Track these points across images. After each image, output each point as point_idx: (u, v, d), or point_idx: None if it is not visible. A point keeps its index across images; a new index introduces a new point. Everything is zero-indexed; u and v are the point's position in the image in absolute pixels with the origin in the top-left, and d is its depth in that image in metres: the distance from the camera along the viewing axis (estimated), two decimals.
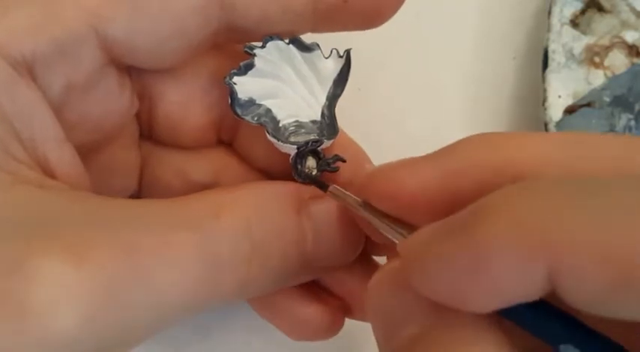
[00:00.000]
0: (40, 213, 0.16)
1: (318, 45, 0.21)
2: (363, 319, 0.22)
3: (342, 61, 0.21)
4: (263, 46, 0.20)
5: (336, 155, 0.21)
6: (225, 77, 0.20)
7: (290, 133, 0.21)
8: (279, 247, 0.18)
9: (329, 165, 0.21)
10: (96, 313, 0.15)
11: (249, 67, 0.20)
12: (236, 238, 0.17)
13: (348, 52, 0.21)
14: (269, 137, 0.20)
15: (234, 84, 0.20)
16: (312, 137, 0.21)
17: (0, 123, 0.17)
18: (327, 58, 0.21)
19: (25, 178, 0.17)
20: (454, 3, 0.30)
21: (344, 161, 0.21)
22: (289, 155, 0.21)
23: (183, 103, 0.21)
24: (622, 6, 0.28)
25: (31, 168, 0.17)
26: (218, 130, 0.22)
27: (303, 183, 0.20)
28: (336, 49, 0.21)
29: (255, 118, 0.20)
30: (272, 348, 0.25)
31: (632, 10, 0.28)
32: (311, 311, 0.21)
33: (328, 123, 0.21)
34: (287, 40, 0.20)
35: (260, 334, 0.25)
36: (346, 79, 0.21)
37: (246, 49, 0.20)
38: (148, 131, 0.22)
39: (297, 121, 0.21)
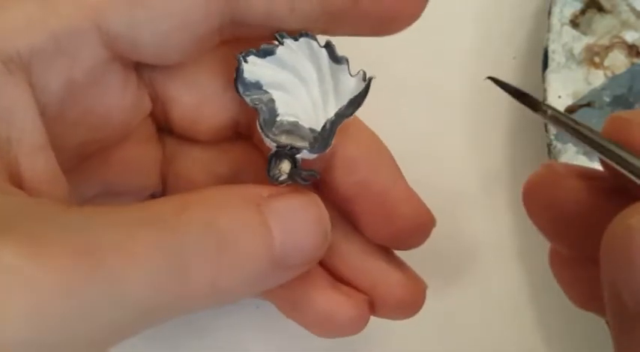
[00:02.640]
0: None
1: (347, 60, 0.20)
2: (386, 316, 0.22)
3: (363, 85, 0.20)
4: (296, 39, 0.20)
5: (312, 170, 0.20)
6: (240, 52, 0.20)
7: (283, 131, 0.20)
8: (246, 244, 0.18)
9: (300, 176, 0.20)
10: (50, 308, 0.14)
11: (269, 52, 0.20)
12: (200, 234, 0.17)
13: (369, 79, 0.20)
14: (257, 125, 0.20)
15: (245, 62, 0.20)
16: (299, 144, 0.20)
17: None
18: (352, 75, 0.20)
19: None
20: (454, 3, 0.30)
21: (316, 178, 0.20)
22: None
23: (197, 105, 0.21)
24: (622, 6, 0.28)
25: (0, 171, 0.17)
26: (236, 126, 0.22)
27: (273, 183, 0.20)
28: (364, 70, 0.20)
29: (255, 102, 0.20)
30: (272, 348, 0.25)
31: (632, 10, 0.28)
32: (334, 304, 0.21)
33: (324, 138, 0.20)
34: (322, 44, 0.20)
35: (260, 334, 0.25)
36: (360, 104, 0.20)
37: (276, 36, 0.20)
38: (169, 129, 0.22)
39: (295, 122, 0.20)
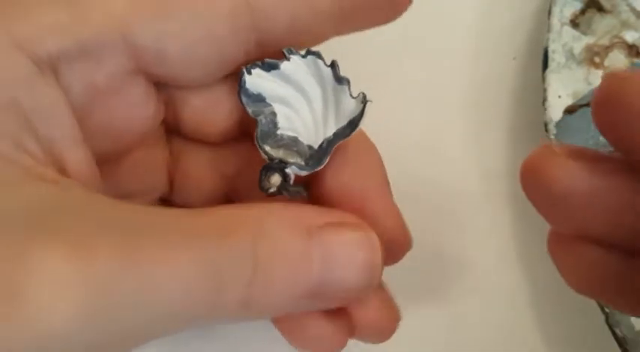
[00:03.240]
0: (48, 209, 0.16)
1: (349, 81, 0.20)
2: (361, 338, 0.22)
3: (361, 107, 0.20)
4: (303, 56, 0.20)
5: (299, 187, 0.20)
6: (245, 64, 0.20)
7: (282, 145, 0.20)
8: (283, 271, 0.18)
9: (288, 191, 0.20)
10: (91, 311, 0.15)
11: (274, 66, 0.20)
12: (239, 259, 0.17)
13: (366, 102, 0.20)
14: (254, 136, 0.20)
15: (249, 73, 0.20)
16: (291, 159, 0.20)
17: (16, 119, 0.17)
18: (352, 97, 0.20)
19: (37, 174, 0.17)
20: (454, 3, 0.30)
21: (303, 195, 0.20)
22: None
23: (207, 107, 0.21)
24: (622, 6, 0.28)
25: (46, 166, 0.17)
26: (244, 126, 0.22)
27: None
28: (363, 93, 0.20)
29: (257, 114, 0.20)
30: (274, 347, 0.25)
31: (632, 10, 0.28)
32: (323, 331, 0.21)
33: (318, 157, 0.20)
34: (327, 63, 0.20)
35: (258, 334, 0.25)
36: (357, 126, 0.20)
37: (284, 51, 0.20)
38: (176, 130, 0.22)
39: (295, 138, 0.21)
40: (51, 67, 0.18)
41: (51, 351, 0.15)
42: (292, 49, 0.20)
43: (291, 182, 0.20)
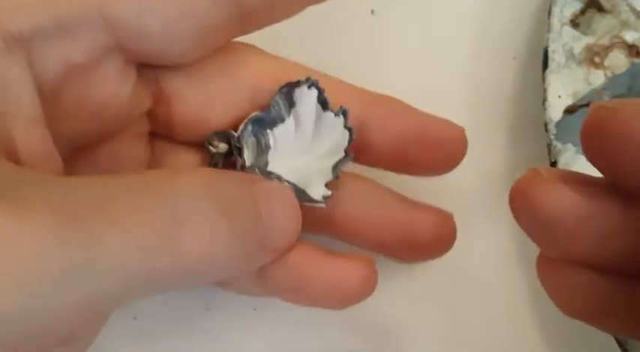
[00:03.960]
0: None
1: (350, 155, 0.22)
2: (420, 256, 0.23)
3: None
4: (336, 115, 0.22)
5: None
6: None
7: (257, 139, 0.22)
8: (241, 216, 0.18)
9: (215, 163, 0.22)
10: (34, 270, 0.14)
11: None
12: (196, 197, 0.17)
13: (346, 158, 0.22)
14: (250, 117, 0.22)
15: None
16: (247, 155, 0.22)
17: None
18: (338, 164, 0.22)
19: None
20: (454, 3, 0.30)
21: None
22: None
23: (204, 104, 0.21)
24: (622, 6, 0.28)
25: None
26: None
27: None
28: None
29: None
30: (271, 349, 0.25)
31: (632, 10, 0.28)
32: (339, 271, 0.20)
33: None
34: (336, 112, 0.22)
35: (259, 334, 0.25)
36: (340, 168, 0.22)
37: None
38: (167, 130, 0.22)
39: (268, 146, 0.22)
40: (23, 44, 0.18)
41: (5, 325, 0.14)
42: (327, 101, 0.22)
43: (222, 163, 0.22)
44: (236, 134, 0.21)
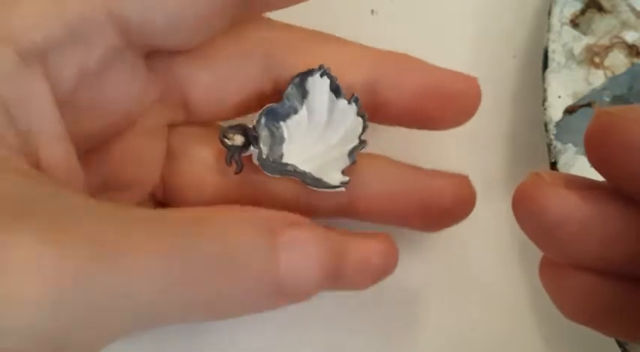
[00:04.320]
0: (19, 201, 0.16)
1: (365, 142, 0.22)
2: (440, 223, 0.23)
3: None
4: (349, 102, 0.22)
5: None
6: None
7: (271, 131, 0.22)
8: (251, 265, 0.18)
9: (234, 158, 0.21)
10: (64, 297, 0.15)
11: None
12: (208, 256, 0.17)
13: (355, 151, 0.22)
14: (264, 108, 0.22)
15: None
16: (264, 146, 0.22)
17: None
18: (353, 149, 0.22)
19: (13, 166, 0.17)
20: (454, 3, 0.30)
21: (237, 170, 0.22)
22: None
23: (217, 82, 0.22)
24: (622, 6, 0.28)
25: (20, 158, 0.17)
26: (261, 97, 0.22)
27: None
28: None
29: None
30: (272, 349, 0.25)
31: (632, 10, 0.28)
32: (361, 248, 0.21)
33: (276, 167, 0.22)
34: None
35: (258, 334, 0.25)
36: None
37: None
38: (185, 116, 0.22)
39: (283, 137, 0.22)
40: (38, 57, 0.18)
41: (14, 337, 0.14)
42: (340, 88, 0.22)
43: (239, 156, 0.21)
44: (251, 125, 0.21)
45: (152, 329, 0.18)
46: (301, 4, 0.22)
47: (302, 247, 0.19)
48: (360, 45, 0.23)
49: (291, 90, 0.22)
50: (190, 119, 0.22)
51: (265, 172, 0.22)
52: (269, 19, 0.23)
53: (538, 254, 0.18)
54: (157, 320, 0.17)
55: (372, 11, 0.29)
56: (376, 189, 0.22)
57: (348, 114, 0.22)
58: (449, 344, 0.26)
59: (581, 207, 0.16)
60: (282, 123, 0.22)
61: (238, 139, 0.21)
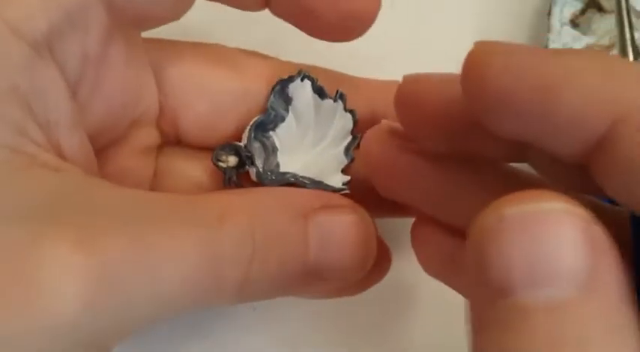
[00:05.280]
0: (53, 198, 0.16)
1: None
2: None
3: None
4: (335, 100, 0.22)
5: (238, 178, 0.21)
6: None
7: (262, 142, 0.22)
8: (279, 253, 0.18)
9: (230, 180, 0.21)
10: (97, 299, 0.15)
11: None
12: (238, 240, 0.17)
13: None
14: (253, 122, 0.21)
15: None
16: (258, 162, 0.21)
17: (18, 105, 0.17)
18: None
19: (41, 161, 0.17)
20: (454, 3, 0.30)
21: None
22: None
23: (212, 111, 0.22)
24: None
25: (48, 151, 0.17)
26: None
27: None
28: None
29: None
30: (272, 349, 0.25)
31: (633, 10, 0.28)
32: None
33: (276, 178, 0.21)
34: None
35: (258, 334, 0.25)
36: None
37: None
38: (176, 139, 0.22)
39: (275, 147, 0.22)
40: (47, 46, 0.17)
41: (61, 338, 0.15)
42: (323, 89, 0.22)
43: (237, 176, 0.21)
44: (242, 144, 0.21)
45: (177, 316, 0.18)
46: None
47: (334, 230, 0.19)
48: None
49: (274, 98, 0.22)
50: (180, 142, 0.22)
51: (267, 185, 0.21)
52: (257, 54, 0.23)
53: None
54: (185, 309, 0.17)
55: None
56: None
57: (336, 112, 0.22)
58: (449, 344, 0.26)
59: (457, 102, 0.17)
60: (271, 133, 0.22)
61: (232, 160, 0.21)
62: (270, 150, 0.22)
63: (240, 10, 0.21)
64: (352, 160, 0.22)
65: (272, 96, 0.22)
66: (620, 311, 0.13)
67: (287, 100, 0.22)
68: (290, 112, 0.22)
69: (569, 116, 0.14)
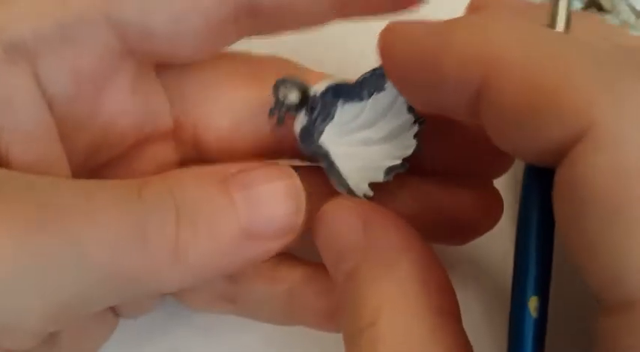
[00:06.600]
0: None
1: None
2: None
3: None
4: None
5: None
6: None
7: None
8: (206, 216, 0.18)
9: (288, 110, 0.20)
10: (6, 269, 0.15)
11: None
12: (158, 204, 0.17)
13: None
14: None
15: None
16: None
17: None
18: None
19: None
20: (454, 3, 0.30)
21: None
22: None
23: (234, 127, 0.21)
24: (622, 6, 0.28)
25: None
26: (278, 142, 0.22)
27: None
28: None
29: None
30: (272, 349, 0.25)
31: (632, 10, 0.28)
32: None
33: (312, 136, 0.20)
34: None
35: (258, 334, 0.25)
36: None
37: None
38: (197, 153, 0.22)
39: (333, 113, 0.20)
40: (26, 54, 0.17)
41: None
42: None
43: (285, 112, 0.20)
44: (314, 93, 0.20)
45: (126, 299, 0.17)
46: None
47: (258, 186, 0.18)
48: None
49: (370, 75, 0.20)
50: (202, 158, 0.22)
51: (300, 144, 0.20)
52: (286, 62, 0.22)
53: None
54: (122, 286, 0.17)
55: None
56: (402, 210, 0.21)
57: (406, 134, 0.21)
58: None
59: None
60: (339, 102, 0.20)
61: (292, 97, 0.20)
62: (325, 116, 0.20)
63: None
64: (387, 181, 0.21)
65: (369, 74, 0.20)
66: None
67: (378, 87, 0.20)
68: (370, 100, 0.20)
69: (450, 78, 0.15)
